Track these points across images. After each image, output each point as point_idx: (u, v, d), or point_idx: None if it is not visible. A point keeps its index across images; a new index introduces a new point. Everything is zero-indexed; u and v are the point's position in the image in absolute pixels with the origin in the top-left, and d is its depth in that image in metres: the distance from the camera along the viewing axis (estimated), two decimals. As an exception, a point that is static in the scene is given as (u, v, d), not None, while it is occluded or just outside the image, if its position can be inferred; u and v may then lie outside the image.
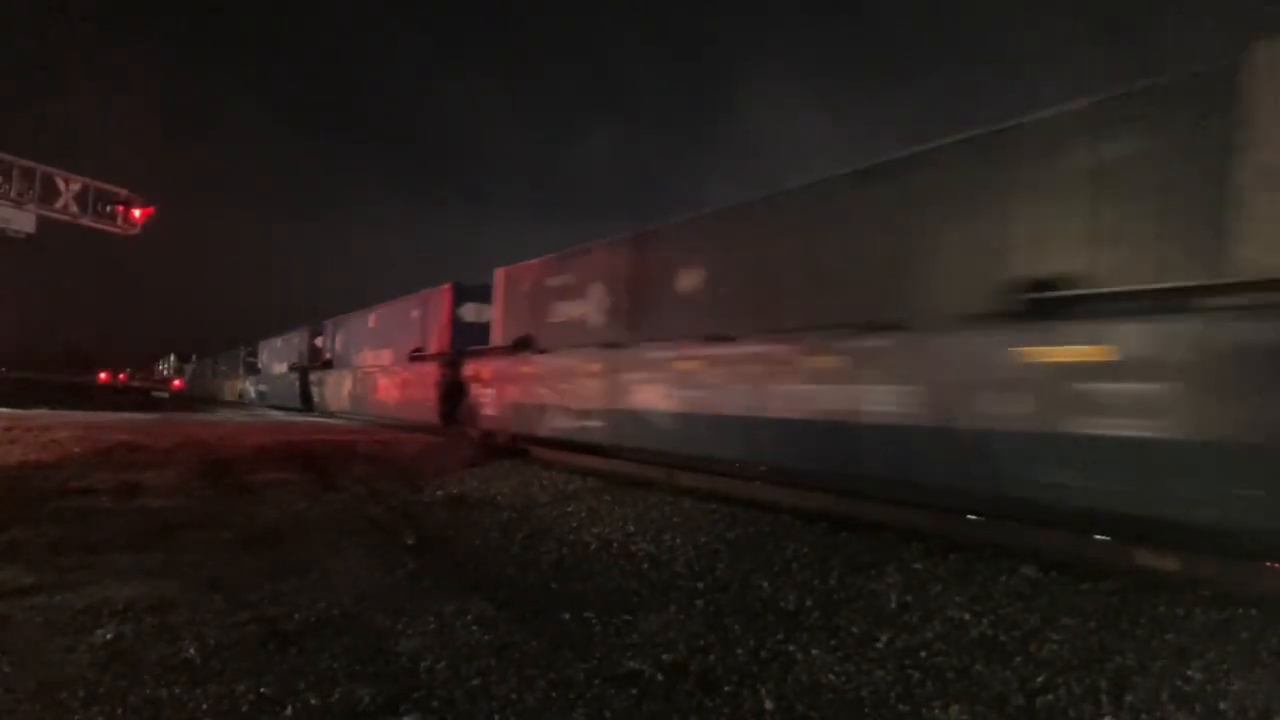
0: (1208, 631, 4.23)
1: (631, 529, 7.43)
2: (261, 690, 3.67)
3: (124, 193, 23.86)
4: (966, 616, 4.71)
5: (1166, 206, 5.37)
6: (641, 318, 10.54)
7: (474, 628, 4.62)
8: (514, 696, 3.68)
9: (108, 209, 23.58)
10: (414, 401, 17.83)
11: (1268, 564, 4.82)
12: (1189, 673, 3.80)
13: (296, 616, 4.74)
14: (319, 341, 27.50)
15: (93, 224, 23.33)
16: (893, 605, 5.03)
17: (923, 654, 4.25)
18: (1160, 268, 5.33)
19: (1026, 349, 5.90)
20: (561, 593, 5.50)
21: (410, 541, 7.02)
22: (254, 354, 37.70)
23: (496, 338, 14.46)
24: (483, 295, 15.75)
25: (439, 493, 9.97)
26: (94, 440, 12.83)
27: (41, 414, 19.35)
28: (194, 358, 62.43)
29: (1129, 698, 3.62)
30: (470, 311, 16.70)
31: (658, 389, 9.84)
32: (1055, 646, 4.22)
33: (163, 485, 9.57)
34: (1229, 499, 4.77)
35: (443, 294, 17.37)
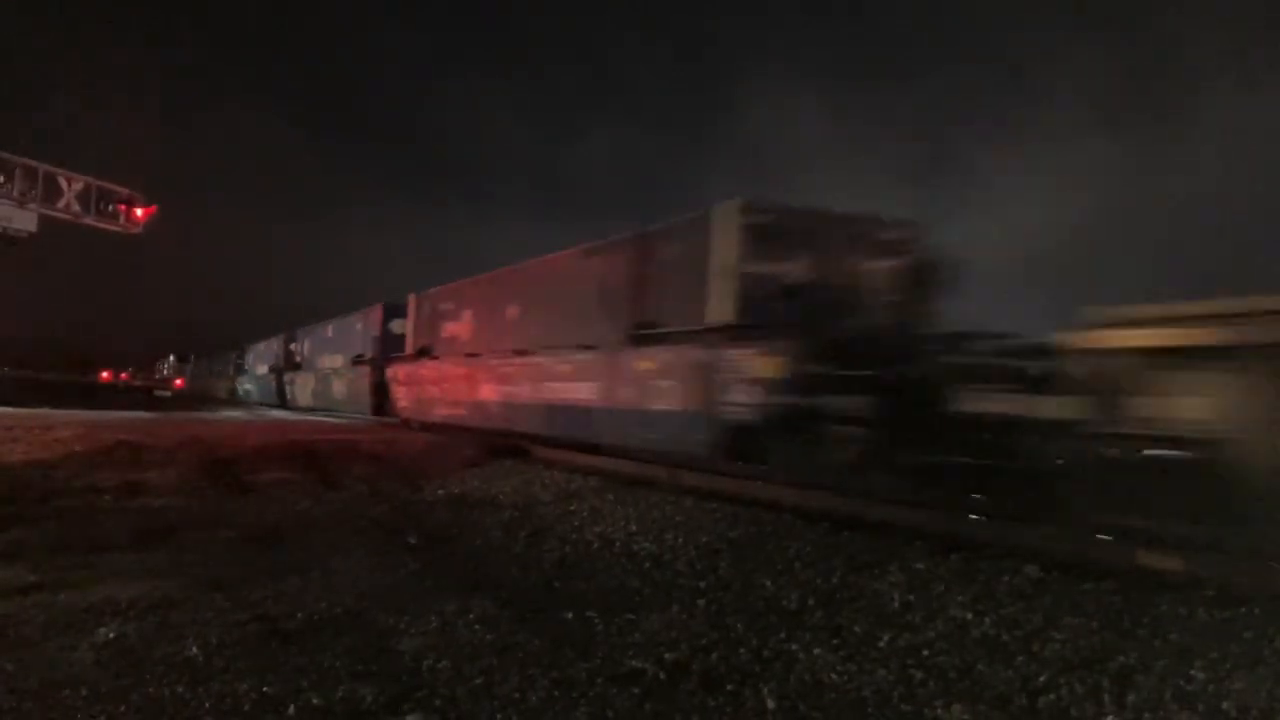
0: (1210, 631, 4.23)
1: (634, 528, 7.43)
2: (264, 689, 3.67)
3: (126, 192, 23.88)
4: (969, 616, 4.71)
5: (683, 286, 9.87)
6: (487, 335, 15.19)
7: (476, 627, 4.63)
8: (516, 696, 3.68)
9: (110, 208, 23.60)
10: (356, 396, 23.17)
11: (1271, 563, 4.82)
12: (1192, 672, 3.79)
13: (299, 615, 4.74)
14: (292, 347, 31.84)
15: (95, 223, 23.35)
16: (895, 605, 5.03)
17: (925, 653, 4.25)
18: (681, 318, 9.80)
19: (634, 361, 10.46)
20: (564, 592, 5.50)
21: (412, 541, 7.03)
22: (242, 356, 42.41)
23: (409, 347, 19.18)
24: (406, 313, 20.00)
25: (440, 492, 9.98)
26: (96, 439, 12.84)
27: (44, 413, 19.37)
28: (191, 358, 65.40)
29: (1131, 697, 3.62)
30: (397, 325, 20.82)
31: (493, 385, 14.65)
32: (1058, 646, 4.21)
33: (165, 484, 9.58)
34: (691, 440, 9.50)
35: (376, 311, 22.42)
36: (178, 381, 68.34)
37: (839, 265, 9.41)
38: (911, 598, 5.09)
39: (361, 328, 24.01)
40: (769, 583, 5.60)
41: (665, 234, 10.64)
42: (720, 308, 9.22)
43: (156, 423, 18.28)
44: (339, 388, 25.24)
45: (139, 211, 24.10)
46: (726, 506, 7.98)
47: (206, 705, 3.50)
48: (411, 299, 19.50)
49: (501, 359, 14.25)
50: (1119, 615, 4.51)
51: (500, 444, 13.52)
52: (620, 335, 10.83)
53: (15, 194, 21.25)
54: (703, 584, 5.67)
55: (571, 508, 8.55)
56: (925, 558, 5.80)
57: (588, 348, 11.60)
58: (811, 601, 5.16)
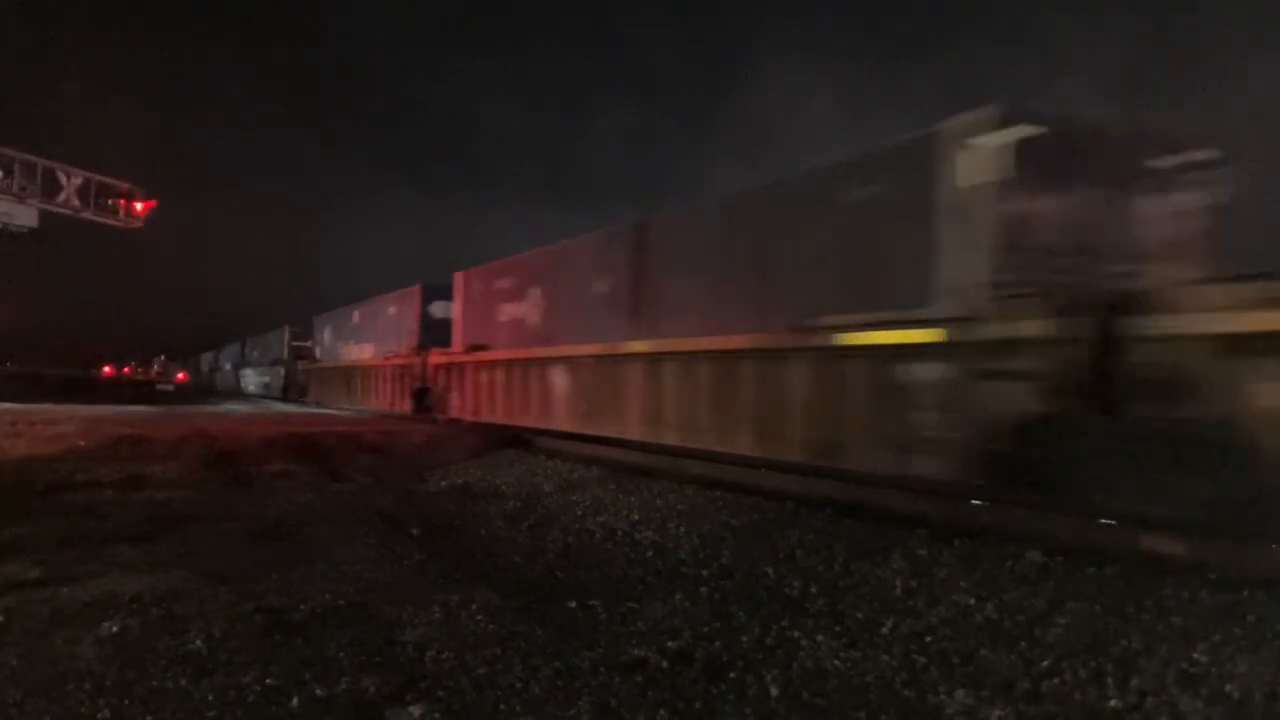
0: (1213, 614, 4.22)
1: (636, 517, 7.44)
2: (268, 681, 3.67)
3: (126, 186, 23.88)
4: (971, 602, 4.71)
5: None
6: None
7: (480, 617, 4.63)
8: (520, 685, 3.69)
9: (110, 202, 23.60)
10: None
11: (1274, 546, 4.81)
12: (1195, 655, 3.79)
13: (303, 607, 4.75)
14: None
15: (95, 218, 23.38)
16: (898, 591, 5.03)
17: (928, 639, 4.25)
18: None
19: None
20: (567, 581, 5.51)
21: (415, 532, 7.04)
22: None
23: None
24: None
25: (444, 483, 10.00)
26: (99, 433, 12.87)
27: (46, 408, 19.41)
28: (181, 357, 69.28)
29: (1134, 681, 3.62)
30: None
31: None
32: (1060, 631, 4.21)
33: (168, 477, 9.60)
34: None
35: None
36: (180, 375, 68.69)
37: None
38: (914, 584, 5.10)
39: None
40: (771, 570, 5.60)
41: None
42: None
43: (159, 417, 18.32)
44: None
45: (139, 205, 24.12)
46: (729, 495, 7.99)
47: (211, 697, 3.51)
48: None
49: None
50: (1122, 600, 4.51)
51: (503, 434, 13.54)
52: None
53: (15, 189, 21.24)
54: (705, 572, 5.67)
55: (574, 497, 8.56)
56: (928, 544, 5.80)
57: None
58: (814, 589, 5.16)
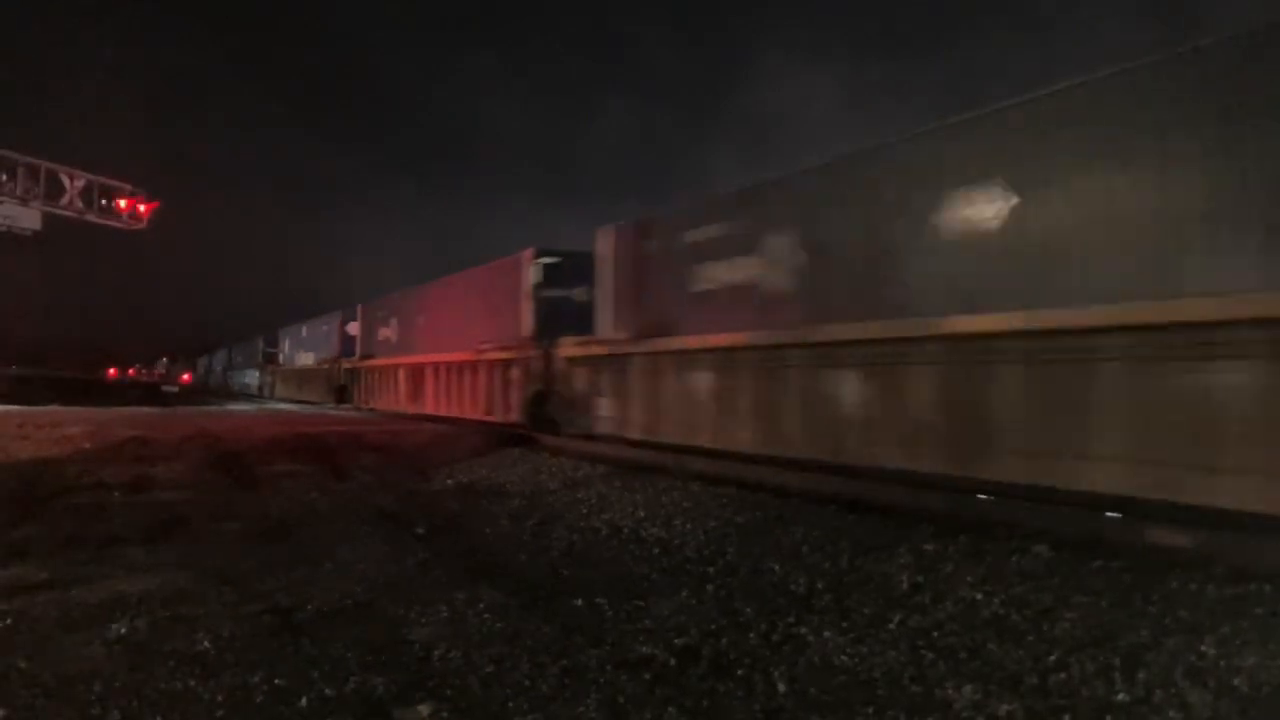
0: (1220, 607, 4.21)
1: (641, 515, 7.44)
2: (276, 681, 3.68)
3: (129, 187, 23.89)
4: (978, 596, 4.71)
5: None
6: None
7: (486, 615, 4.64)
8: (527, 684, 3.69)
9: (113, 204, 23.62)
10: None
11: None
12: (1202, 648, 3.78)
13: (309, 607, 4.76)
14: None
15: (98, 220, 23.40)
16: (904, 586, 5.03)
17: (935, 634, 4.25)
18: None
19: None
20: (572, 579, 5.51)
21: (420, 531, 7.04)
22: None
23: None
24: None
25: (448, 481, 10.00)
26: (104, 435, 12.89)
27: (52, 410, 19.46)
28: (184, 359, 72.25)
29: (1142, 674, 3.61)
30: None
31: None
32: (1068, 625, 4.21)
33: (174, 478, 9.61)
34: None
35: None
36: (185, 376, 68.94)
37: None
38: (920, 579, 5.09)
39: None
40: (777, 567, 5.60)
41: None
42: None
43: (164, 418, 18.35)
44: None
45: (142, 207, 24.13)
46: (733, 491, 7.99)
47: (219, 698, 3.52)
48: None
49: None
50: (1129, 593, 4.50)
51: (506, 433, 13.54)
52: None
53: (19, 192, 21.27)
54: (711, 569, 5.67)
55: (579, 495, 8.56)
56: (933, 539, 5.80)
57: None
58: (820, 585, 5.16)
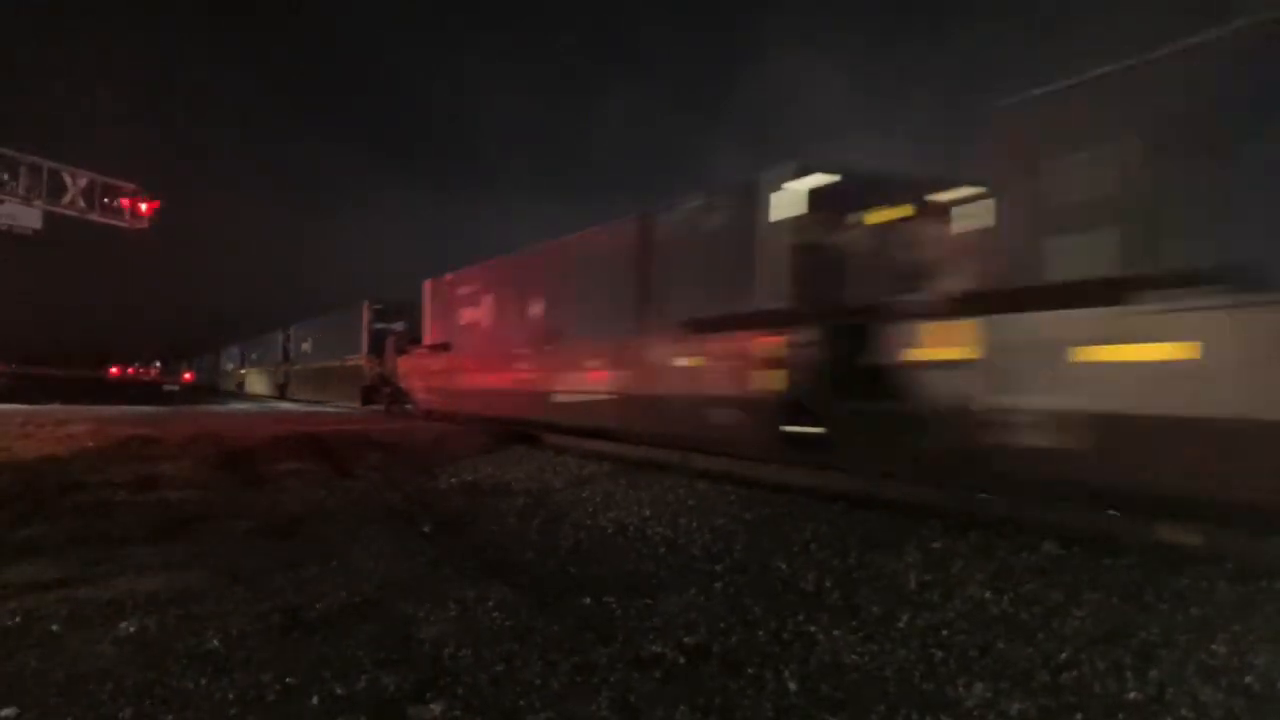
0: (1232, 605, 4.21)
1: (647, 513, 7.44)
2: (287, 680, 3.68)
3: (131, 187, 23.86)
4: (988, 594, 4.71)
5: None
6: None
7: (495, 614, 4.63)
8: (538, 682, 3.69)
9: (115, 204, 23.59)
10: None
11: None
12: (1214, 647, 3.78)
13: (319, 605, 4.76)
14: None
15: (100, 219, 23.35)
16: (913, 584, 5.03)
17: (944, 632, 4.24)
18: None
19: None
20: (580, 577, 5.51)
21: (427, 529, 7.05)
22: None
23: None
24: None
25: (453, 480, 10.01)
26: (109, 434, 12.91)
27: (56, 409, 19.48)
28: (186, 358, 77.88)
29: (1153, 672, 3.61)
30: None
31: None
32: (1078, 622, 4.21)
33: (179, 477, 9.62)
34: None
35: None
36: (187, 375, 69.08)
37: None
38: (929, 577, 5.09)
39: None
40: (785, 564, 5.60)
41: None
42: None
43: (167, 417, 18.36)
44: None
45: (144, 206, 24.09)
46: (740, 489, 7.99)
47: (230, 696, 3.51)
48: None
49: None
50: (1139, 590, 4.50)
51: (511, 431, 13.54)
52: None
53: (20, 191, 21.25)
54: (719, 567, 5.67)
55: (584, 493, 8.56)
56: (942, 536, 5.80)
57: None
58: (829, 582, 5.16)
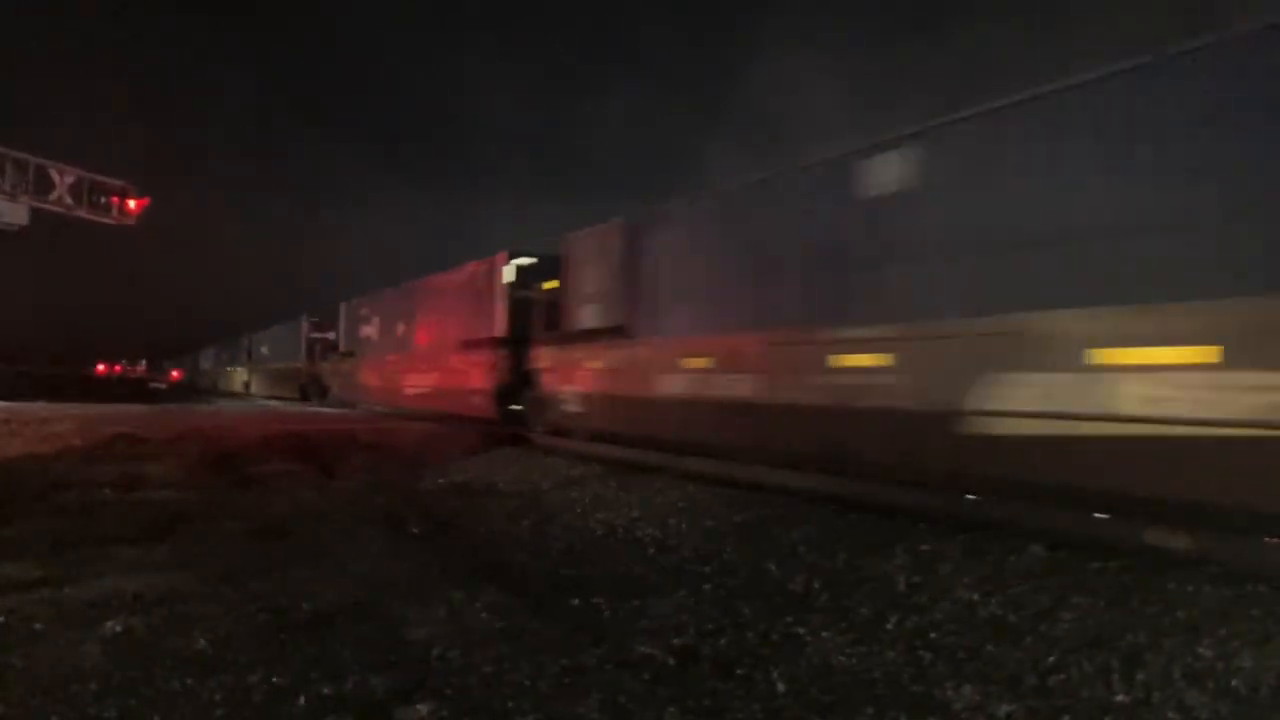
0: (1219, 608, 4.23)
1: (636, 514, 7.43)
2: (274, 680, 3.66)
3: (119, 183, 23.68)
4: (976, 597, 4.72)
5: None
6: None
7: (484, 615, 4.62)
8: (527, 683, 3.68)
9: (102, 200, 23.42)
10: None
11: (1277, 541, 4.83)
12: (1200, 650, 3.80)
13: (307, 606, 4.73)
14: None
15: (88, 216, 23.17)
16: (902, 586, 5.04)
17: (933, 635, 4.26)
18: None
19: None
20: (570, 579, 5.50)
21: (416, 530, 7.02)
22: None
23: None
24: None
25: (441, 480, 9.97)
26: (94, 432, 12.80)
27: (40, 406, 19.31)
28: (173, 356, 77.83)
29: (1141, 675, 3.63)
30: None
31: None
32: (1066, 625, 4.22)
33: (166, 477, 9.55)
34: None
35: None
36: (174, 373, 68.72)
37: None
38: (918, 579, 5.11)
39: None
40: (775, 566, 5.60)
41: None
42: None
43: (153, 416, 18.23)
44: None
45: (132, 203, 23.92)
46: (729, 491, 7.98)
47: (217, 697, 3.49)
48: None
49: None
50: (1127, 594, 4.52)
51: (500, 432, 13.52)
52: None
53: (6, 187, 21.08)
54: (708, 569, 5.67)
55: (574, 495, 8.54)
56: (931, 539, 5.81)
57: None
58: (818, 585, 5.17)
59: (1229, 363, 5.03)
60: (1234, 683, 3.52)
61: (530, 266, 14.70)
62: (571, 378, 12.47)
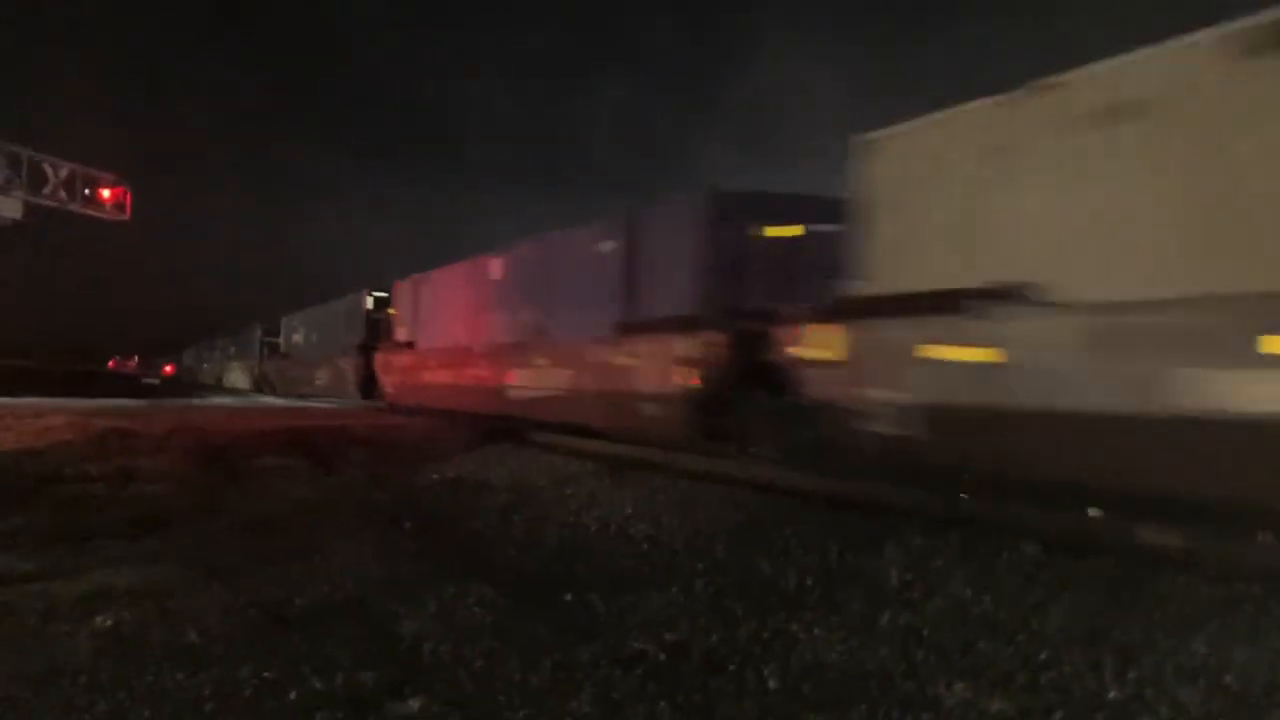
0: (1210, 606, 4.24)
1: (630, 511, 7.42)
2: (264, 675, 3.64)
3: (113, 177, 23.66)
4: (968, 594, 4.72)
5: None
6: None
7: (476, 610, 4.61)
8: (519, 679, 3.67)
9: (96, 195, 23.38)
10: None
11: (1270, 538, 4.85)
12: (1192, 647, 3.81)
13: (298, 601, 4.72)
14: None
15: (81, 210, 23.14)
16: (894, 583, 5.03)
17: (925, 632, 4.25)
18: None
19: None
20: (563, 575, 5.49)
21: (409, 526, 7.01)
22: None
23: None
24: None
25: (435, 476, 9.95)
26: (87, 427, 12.77)
27: (33, 401, 19.25)
28: (167, 351, 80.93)
29: (1133, 672, 3.63)
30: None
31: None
32: (1058, 622, 4.23)
33: (158, 471, 9.52)
34: None
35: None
36: (168, 368, 68.69)
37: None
38: (910, 576, 5.10)
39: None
40: (767, 564, 5.60)
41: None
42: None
43: (146, 410, 18.19)
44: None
45: (126, 198, 23.89)
46: (722, 489, 7.99)
47: (207, 691, 3.48)
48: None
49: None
50: (1119, 591, 4.53)
51: (494, 428, 13.50)
52: None
53: (0, 180, 21.03)
54: (701, 565, 5.66)
55: (568, 491, 8.53)
56: (923, 536, 5.81)
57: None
58: (810, 581, 5.16)
59: None
60: (1226, 679, 3.52)
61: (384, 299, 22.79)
62: (390, 369, 21.25)
